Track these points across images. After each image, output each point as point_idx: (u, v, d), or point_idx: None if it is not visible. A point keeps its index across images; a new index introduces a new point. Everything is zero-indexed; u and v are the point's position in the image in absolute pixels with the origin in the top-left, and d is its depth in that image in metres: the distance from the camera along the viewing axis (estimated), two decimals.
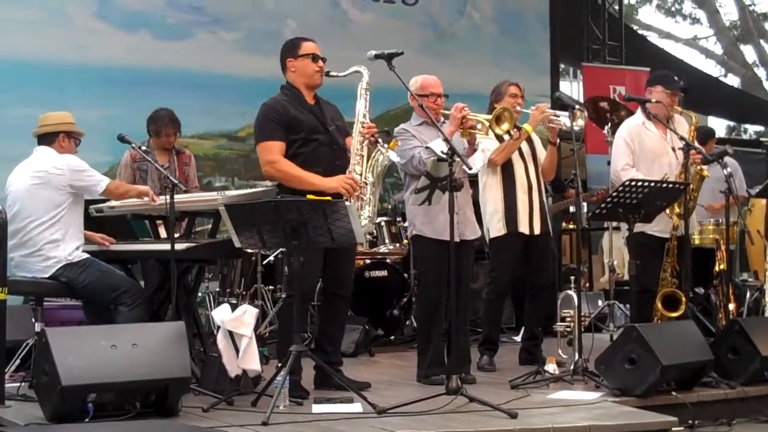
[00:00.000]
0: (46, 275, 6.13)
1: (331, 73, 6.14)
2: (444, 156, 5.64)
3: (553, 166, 7.25)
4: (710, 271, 8.12)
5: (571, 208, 10.72)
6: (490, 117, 6.36)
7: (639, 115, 7.28)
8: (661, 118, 7.11)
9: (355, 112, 6.11)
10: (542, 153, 7.21)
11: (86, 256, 6.25)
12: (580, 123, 6.79)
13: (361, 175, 5.95)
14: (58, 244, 6.14)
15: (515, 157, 7.04)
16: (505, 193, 7.02)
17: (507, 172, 7.04)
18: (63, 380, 4.72)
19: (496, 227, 7.02)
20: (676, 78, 7.35)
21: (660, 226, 6.93)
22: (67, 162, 6.20)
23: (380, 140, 5.98)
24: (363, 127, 6.01)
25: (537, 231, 7.07)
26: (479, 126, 6.38)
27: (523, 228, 7.01)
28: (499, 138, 6.89)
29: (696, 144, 7.10)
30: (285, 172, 5.97)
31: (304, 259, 5.57)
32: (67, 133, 6.35)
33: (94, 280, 6.15)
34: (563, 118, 6.88)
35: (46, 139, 6.33)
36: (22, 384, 5.68)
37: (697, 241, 8.19)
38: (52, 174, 6.15)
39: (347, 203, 5.50)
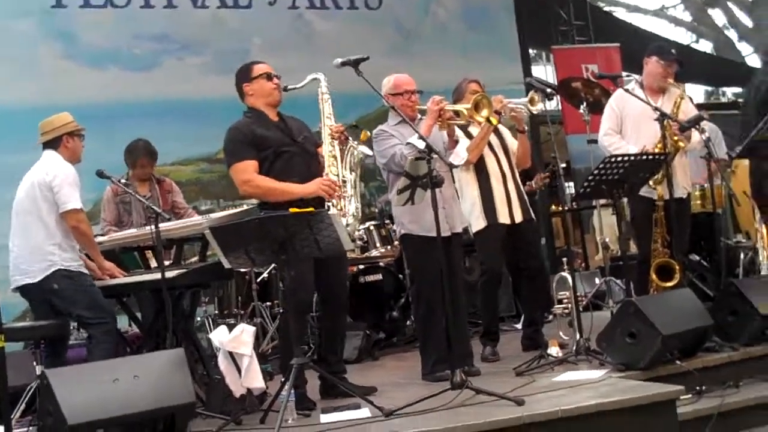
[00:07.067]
0: (41, 277, 6.18)
1: (289, 87, 6.18)
2: (423, 153, 5.66)
3: (526, 154, 7.27)
4: (700, 236, 8.14)
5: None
6: (469, 106, 6.39)
7: (632, 83, 7.34)
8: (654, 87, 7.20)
9: (320, 118, 6.15)
10: (512, 143, 7.22)
11: (85, 271, 6.31)
12: (539, 107, 6.81)
13: (337, 175, 5.99)
14: (55, 249, 6.21)
15: (485, 150, 7.05)
16: (481, 187, 7.04)
17: (479, 166, 7.05)
18: (69, 419, 4.70)
19: (476, 221, 7.04)
20: (672, 51, 7.37)
21: (646, 187, 6.94)
22: (60, 169, 6.30)
23: (350, 138, 6.02)
24: (330, 129, 6.05)
25: (518, 219, 7.09)
26: (458, 116, 6.41)
27: (503, 218, 7.03)
28: (466, 131, 6.94)
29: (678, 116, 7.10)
30: (262, 187, 5.99)
31: (295, 272, 5.59)
32: (69, 134, 6.45)
33: (80, 296, 6.20)
34: (521, 105, 6.90)
35: (52, 143, 6.45)
36: (30, 429, 5.67)
37: None
38: (45, 176, 6.26)
39: (331, 212, 5.51)
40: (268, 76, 6.18)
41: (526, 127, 7.12)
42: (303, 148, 6.11)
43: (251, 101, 6.21)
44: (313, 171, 6.05)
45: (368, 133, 6.22)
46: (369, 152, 6.07)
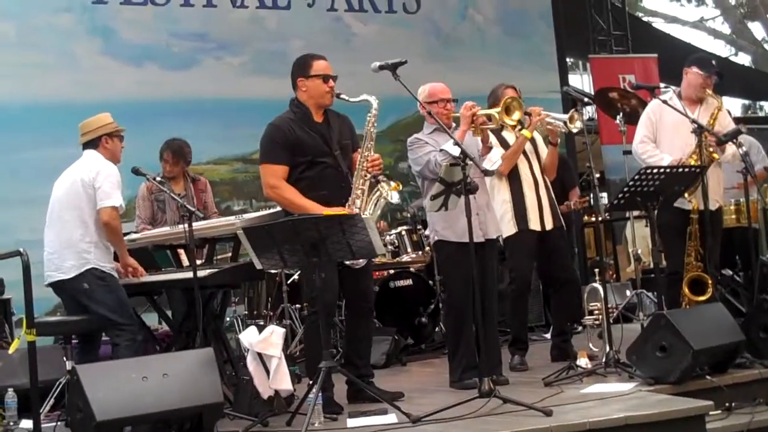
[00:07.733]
0: (74, 274, 6.24)
1: (342, 96, 6.10)
2: (457, 159, 5.64)
3: (553, 165, 7.23)
4: (734, 251, 8.07)
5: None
6: (499, 109, 6.36)
7: (669, 93, 7.29)
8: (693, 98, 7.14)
9: (362, 138, 6.11)
10: (545, 150, 7.21)
11: (115, 274, 6.36)
12: (578, 125, 6.77)
13: (360, 209, 5.92)
14: (90, 247, 6.27)
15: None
16: (513, 193, 7.03)
17: (512, 172, 7.04)
18: (97, 416, 4.72)
19: (507, 227, 7.01)
20: (713, 62, 7.32)
21: (680, 200, 6.88)
22: (104, 167, 6.35)
23: (381, 180, 5.97)
24: (367, 161, 6.01)
25: (549, 227, 7.08)
26: (491, 121, 6.39)
27: (534, 225, 7.01)
28: (499, 136, 6.92)
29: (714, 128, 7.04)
30: (286, 199, 5.98)
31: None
32: (108, 134, 6.48)
33: (109, 298, 6.24)
34: (559, 121, 6.87)
35: (91, 144, 6.51)
36: (59, 423, 5.71)
37: None
38: (89, 173, 6.31)
39: (364, 216, 5.49)
40: (325, 78, 6.12)
41: (559, 140, 7.08)
42: (338, 162, 6.08)
43: (302, 96, 6.15)
44: (344, 186, 6.02)
45: (399, 186, 6.16)
46: (396, 200, 6.04)
